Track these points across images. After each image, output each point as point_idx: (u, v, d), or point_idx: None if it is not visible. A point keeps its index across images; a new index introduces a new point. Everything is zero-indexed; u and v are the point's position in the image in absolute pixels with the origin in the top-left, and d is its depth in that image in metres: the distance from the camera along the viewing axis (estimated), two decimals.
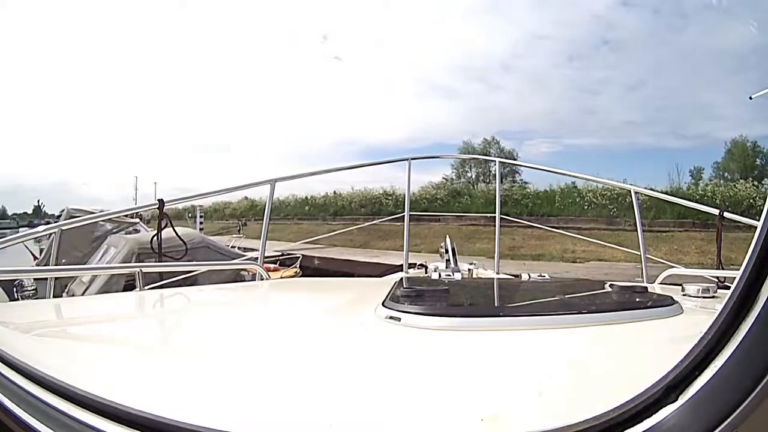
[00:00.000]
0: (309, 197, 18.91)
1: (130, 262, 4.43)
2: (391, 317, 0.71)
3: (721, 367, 0.32)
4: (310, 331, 0.79)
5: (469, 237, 10.53)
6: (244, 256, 5.77)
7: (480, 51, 24.16)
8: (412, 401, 0.45)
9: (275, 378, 0.53)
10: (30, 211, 32.50)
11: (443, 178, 17.78)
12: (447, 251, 2.60)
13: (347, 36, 28.75)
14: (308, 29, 28.75)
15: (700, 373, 0.34)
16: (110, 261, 4.69)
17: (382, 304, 0.77)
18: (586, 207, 11.71)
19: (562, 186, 13.29)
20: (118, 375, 0.53)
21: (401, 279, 1.09)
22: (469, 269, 2.48)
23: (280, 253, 7.48)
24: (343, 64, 27.05)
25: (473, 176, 18.24)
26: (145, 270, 1.46)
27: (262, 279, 1.70)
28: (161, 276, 2.24)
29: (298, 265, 7.23)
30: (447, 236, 2.72)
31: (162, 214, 2.28)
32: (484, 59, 23.63)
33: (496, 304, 1.01)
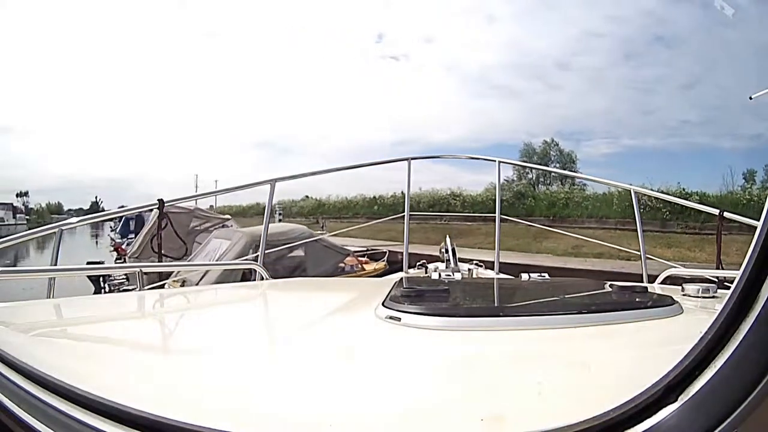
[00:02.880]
0: (377, 197, 19.06)
1: (247, 253, 4.49)
2: (391, 317, 0.71)
3: (721, 367, 0.32)
4: (310, 330, 0.79)
5: (536, 236, 10.89)
6: (347, 251, 5.92)
7: (536, 49, 23.72)
8: (412, 401, 0.45)
9: (275, 378, 0.53)
10: (87, 207, 32.89)
11: (505, 179, 17.72)
12: (447, 251, 2.60)
13: (403, 36, 29.33)
14: (363, 30, 29.94)
15: (700, 373, 0.34)
16: (225, 252, 4.72)
17: (382, 304, 0.77)
18: (642, 210, 11.71)
19: (620, 189, 13.21)
20: (118, 375, 0.53)
21: (401, 279, 1.09)
22: (469, 269, 2.48)
23: (366, 249, 7.82)
24: (400, 64, 27.79)
25: (533, 177, 18.20)
26: (145, 270, 1.46)
27: (263, 279, 1.70)
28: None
29: (385, 260, 7.60)
30: (447, 236, 2.72)
31: (162, 214, 2.27)
32: (540, 57, 23.29)
33: (496, 304, 1.01)
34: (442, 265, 2.57)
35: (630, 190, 2.98)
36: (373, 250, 7.93)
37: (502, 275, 2.43)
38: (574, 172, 17.49)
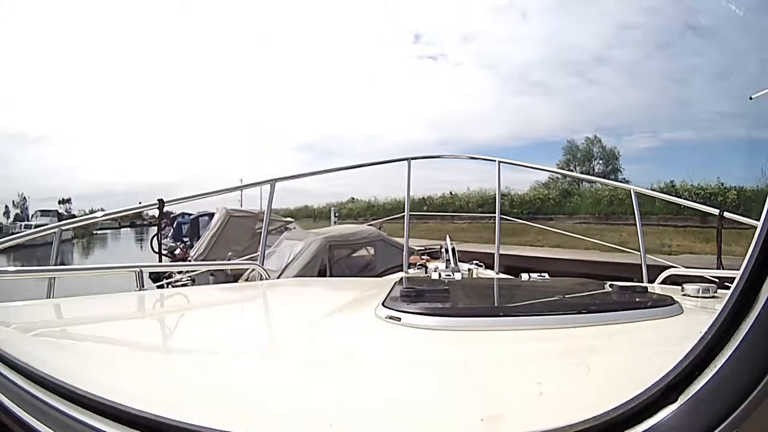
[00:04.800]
0: (426, 197, 19.00)
1: (322, 254, 4.57)
2: (390, 317, 0.71)
3: (721, 367, 0.32)
4: (310, 330, 0.79)
5: (583, 234, 11.25)
6: (412, 249, 6.02)
7: (572, 44, 23.09)
8: (412, 401, 0.45)
9: (275, 378, 0.53)
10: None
11: (549, 177, 17.74)
12: (447, 251, 2.60)
13: (439, 36, 29.02)
14: (399, 31, 30.18)
15: (700, 373, 0.34)
16: (300, 253, 4.77)
17: (382, 304, 0.77)
18: (681, 206, 11.99)
19: (662, 185, 13.45)
20: (118, 375, 0.53)
21: (401, 279, 1.09)
22: (469, 269, 2.48)
23: (424, 248, 8.05)
24: (438, 63, 27.49)
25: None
26: (146, 270, 1.45)
27: (262, 279, 1.70)
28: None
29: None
30: (447, 236, 2.72)
31: (162, 215, 2.27)
32: (576, 52, 22.61)
33: (496, 304, 1.01)
34: (442, 265, 2.57)
35: (630, 191, 2.98)
36: (431, 248, 8.19)
37: (501, 275, 2.43)
38: (617, 169, 17.54)
